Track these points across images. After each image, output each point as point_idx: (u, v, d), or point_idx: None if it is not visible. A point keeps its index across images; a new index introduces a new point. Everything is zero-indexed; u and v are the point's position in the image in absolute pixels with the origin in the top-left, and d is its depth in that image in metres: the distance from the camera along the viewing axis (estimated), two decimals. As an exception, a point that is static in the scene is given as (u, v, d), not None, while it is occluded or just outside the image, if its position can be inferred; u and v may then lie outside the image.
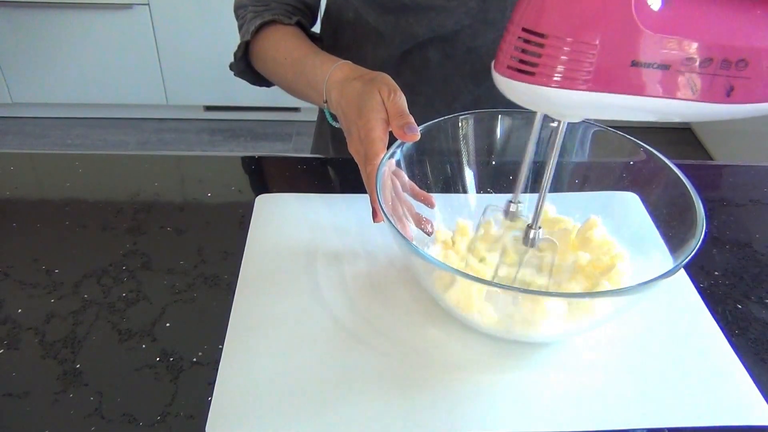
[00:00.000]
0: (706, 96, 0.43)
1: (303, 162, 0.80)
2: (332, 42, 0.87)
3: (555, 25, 0.41)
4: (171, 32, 2.39)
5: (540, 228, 0.53)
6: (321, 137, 0.98)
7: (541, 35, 0.41)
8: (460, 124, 0.64)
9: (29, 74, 2.44)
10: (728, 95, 0.44)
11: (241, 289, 0.61)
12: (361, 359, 0.54)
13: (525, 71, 0.42)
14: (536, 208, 0.52)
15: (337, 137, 0.93)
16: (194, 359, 0.54)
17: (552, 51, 0.41)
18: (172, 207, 0.72)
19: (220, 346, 0.55)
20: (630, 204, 0.66)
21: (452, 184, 0.67)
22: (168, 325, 0.58)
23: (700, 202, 0.54)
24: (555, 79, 0.41)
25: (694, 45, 0.42)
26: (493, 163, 0.67)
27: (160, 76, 2.49)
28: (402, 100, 0.60)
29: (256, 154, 0.81)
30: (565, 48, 0.41)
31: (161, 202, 0.73)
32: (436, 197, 0.64)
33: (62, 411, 0.50)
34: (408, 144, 0.60)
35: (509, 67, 0.43)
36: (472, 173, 0.67)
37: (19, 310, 0.59)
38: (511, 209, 0.55)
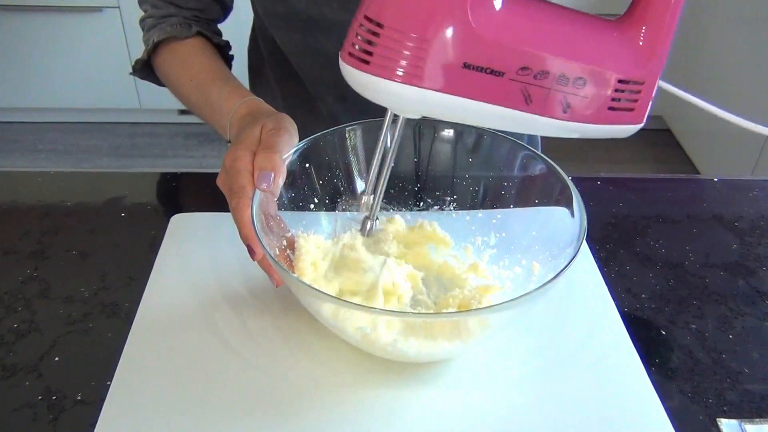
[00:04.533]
0: (541, 109, 0.44)
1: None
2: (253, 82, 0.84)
3: (392, 16, 0.40)
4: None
5: (377, 219, 0.54)
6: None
7: (379, 24, 0.41)
8: (347, 136, 0.61)
9: (-2, 79, 2.40)
10: (565, 112, 0.45)
11: (140, 320, 0.58)
12: (260, 392, 0.51)
13: (362, 59, 0.42)
14: (374, 200, 0.52)
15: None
16: (78, 397, 0.51)
17: (386, 42, 0.41)
18: (81, 229, 0.69)
19: (108, 383, 0.52)
20: (561, 220, 0.63)
21: (341, 197, 0.64)
22: (57, 359, 0.54)
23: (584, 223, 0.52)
24: (387, 70, 0.41)
25: (529, 55, 0.42)
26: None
27: (133, 79, 2.45)
28: (280, 138, 0.55)
29: (179, 170, 0.78)
30: (399, 40, 0.40)
31: (70, 224, 0.69)
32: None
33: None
34: (292, 158, 0.56)
35: (350, 54, 0.43)
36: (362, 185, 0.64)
37: None
38: (367, 225, 0.54)
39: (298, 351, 0.55)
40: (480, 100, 0.43)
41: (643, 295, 0.62)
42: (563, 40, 0.43)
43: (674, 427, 0.49)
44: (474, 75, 0.41)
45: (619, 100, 0.45)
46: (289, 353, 0.55)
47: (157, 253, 0.65)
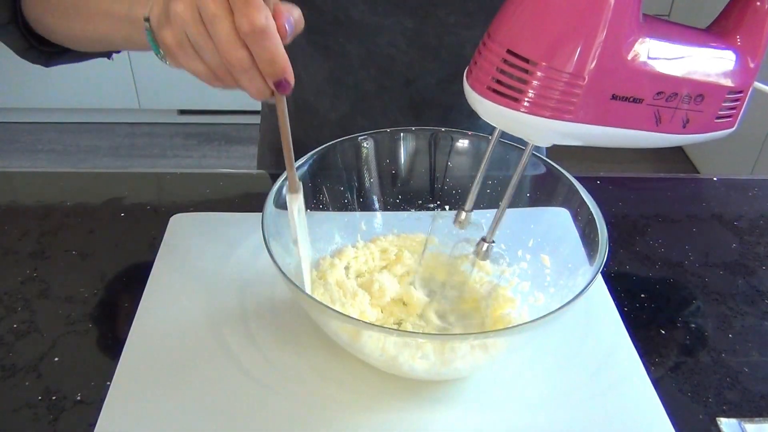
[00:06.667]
0: (667, 127, 0.45)
1: (224, 178, 0.77)
2: None
3: (546, 54, 0.39)
4: (142, 35, 2.35)
5: (494, 242, 0.51)
6: (261, 148, 0.95)
7: (527, 61, 0.40)
8: (360, 145, 0.62)
9: (-3, 79, 2.40)
10: (684, 127, 0.46)
11: (139, 320, 0.57)
12: (262, 402, 0.51)
13: (508, 96, 0.41)
14: (494, 221, 0.50)
15: (278, 147, 0.89)
16: (78, 397, 0.51)
17: (540, 80, 0.40)
18: (81, 229, 0.69)
19: (108, 383, 0.52)
20: (559, 220, 0.63)
21: (355, 205, 0.64)
22: (56, 359, 0.54)
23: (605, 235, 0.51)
24: (540, 108, 0.41)
25: (666, 80, 0.43)
26: (398, 183, 0.65)
27: (132, 79, 2.46)
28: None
29: (178, 170, 0.78)
30: (555, 79, 0.40)
31: (70, 224, 0.69)
32: (337, 215, 0.62)
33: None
34: (304, 170, 0.56)
35: (489, 88, 0.42)
36: (376, 193, 0.65)
37: None
38: (461, 217, 0.54)
39: (300, 352, 0.55)
40: (619, 127, 0.43)
41: (643, 295, 0.62)
42: (689, 60, 0.44)
43: (674, 426, 0.49)
44: (618, 104, 0.42)
45: (724, 110, 0.48)
46: (291, 356, 0.55)
47: (156, 253, 0.65)
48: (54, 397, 0.51)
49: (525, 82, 0.40)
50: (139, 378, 0.52)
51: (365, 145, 0.62)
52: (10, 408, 0.50)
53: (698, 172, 2.28)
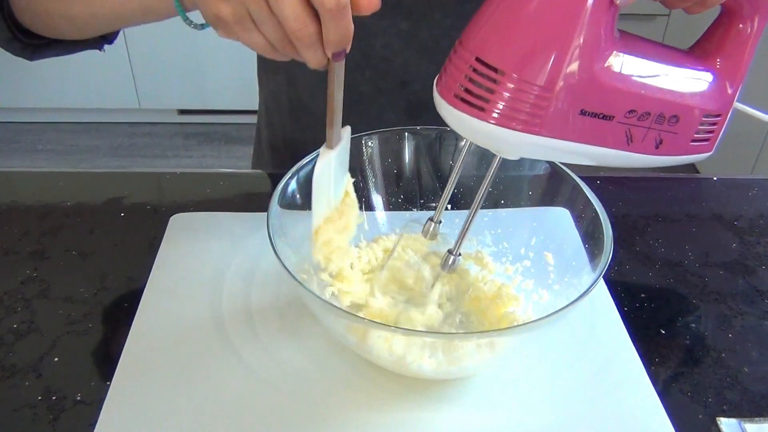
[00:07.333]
0: (639, 147, 0.45)
1: (224, 178, 0.77)
2: (263, 63, 0.83)
3: (514, 64, 0.38)
4: (142, 34, 2.36)
5: (459, 255, 0.50)
6: (259, 147, 0.95)
7: (496, 70, 0.39)
8: (363, 144, 0.62)
9: (-3, 79, 2.40)
10: (657, 148, 0.45)
11: (140, 320, 0.57)
12: (265, 402, 0.51)
13: (474, 105, 0.40)
14: (460, 235, 0.49)
15: (276, 146, 0.89)
16: (78, 397, 0.51)
17: (507, 90, 0.39)
18: (81, 229, 0.69)
19: (108, 383, 0.52)
20: (560, 220, 0.63)
21: (359, 204, 0.64)
22: (56, 359, 0.54)
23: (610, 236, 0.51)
24: (506, 119, 0.40)
25: (639, 99, 0.42)
26: (400, 183, 0.65)
27: (132, 79, 2.46)
28: None
29: (178, 170, 0.78)
30: (522, 90, 0.39)
31: (70, 224, 0.69)
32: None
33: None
34: (308, 169, 0.56)
35: (456, 96, 0.41)
36: (379, 193, 0.65)
37: None
38: (429, 228, 0.53)
39: (305, 352, 0.55)
40: (589, 143, 0.42)
41: (643, 295, 0.62)
42: (663, 79, 0.43)
43: (674, 426, 0.49)
44: (587, 120, 0.41)
45: (700, 133, 0.47)
46: (296, 355, 0.55)
47: (156, 253, 0.65)
48: (54, 397, 0.51)
49: (492, 91, 0.39)
50: (139, 378, 0.52)
51: (369, 144, 0.62)
52: (10, 408, 0.50)
53: (698, 172, 2.28)
